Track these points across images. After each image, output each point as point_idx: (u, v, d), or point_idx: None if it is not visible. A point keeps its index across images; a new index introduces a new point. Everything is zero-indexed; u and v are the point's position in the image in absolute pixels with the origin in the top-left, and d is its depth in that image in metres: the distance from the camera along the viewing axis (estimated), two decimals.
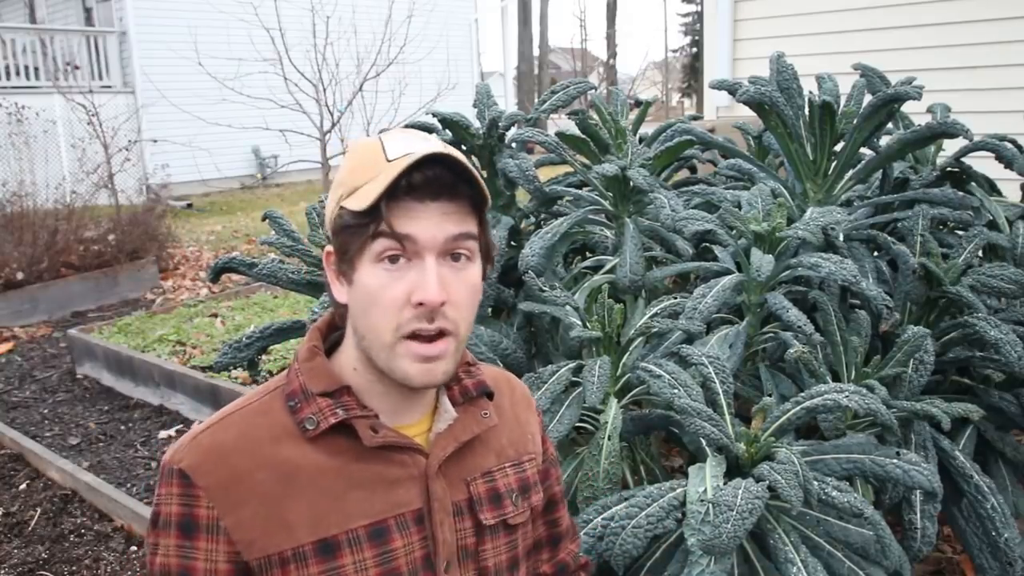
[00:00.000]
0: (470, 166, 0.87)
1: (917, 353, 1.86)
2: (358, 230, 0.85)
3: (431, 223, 0.85)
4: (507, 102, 16.09)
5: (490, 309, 2.24)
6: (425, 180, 0.84)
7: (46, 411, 4.07)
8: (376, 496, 0.90)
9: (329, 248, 0.92)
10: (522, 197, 2.41)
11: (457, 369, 0.99)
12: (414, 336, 0.86)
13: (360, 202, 0.85)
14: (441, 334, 0.87)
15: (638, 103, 3.05)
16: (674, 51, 34.60)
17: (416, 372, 0.87)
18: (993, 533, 1.77)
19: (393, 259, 0.85)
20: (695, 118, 3.60)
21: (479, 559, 0.96)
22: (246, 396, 0.95)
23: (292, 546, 0.86)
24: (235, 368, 2.82)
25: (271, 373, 3.56)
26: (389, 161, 0.84)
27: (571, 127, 2.50)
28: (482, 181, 0.88)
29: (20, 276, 5.57)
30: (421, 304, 0.84)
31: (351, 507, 0.88)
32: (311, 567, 0.86)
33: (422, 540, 0.91)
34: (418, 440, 0.94)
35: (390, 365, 0.88)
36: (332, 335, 0.99)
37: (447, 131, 2.33)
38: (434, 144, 0.86)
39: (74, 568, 2.67)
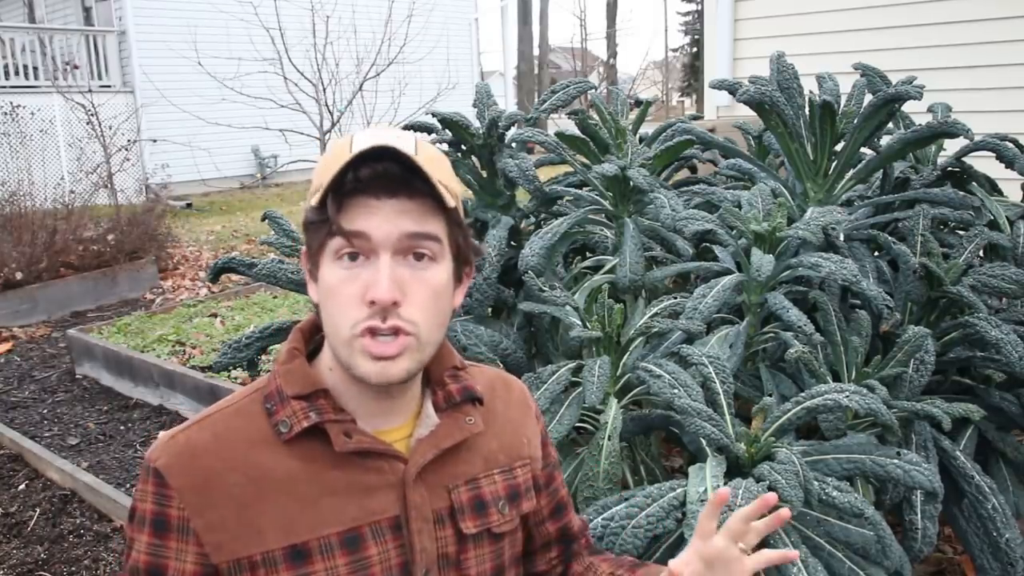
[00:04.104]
0: (419, 160, 0.82)
1: (918, 353, 1.86)
2: (318, 227, 0.85)
3: (384, 220, 0.83)
4: (507, 102, 16.07)
5: (490, 309, 2.24)
6: (373, 174, 0.82)
7: (45, 411, 4.06)
8: (350, 503, 0.88)
9: (304, 247, 0.92)
10: (522, 197, 2.41)
11: (441, 373, 0.97)
12: (371, 333, 0.84)
13: (316, 199, 0.85)
14: (397, 332, 0.85)
15: (638, 103, 3.04)
16: (674, 51, 34.59)
17: (371, 370, 0.85)
18: (994, 533, 1.77)
19: (353, 256, 0.84)
20: (695, 118, 3.60)
21: (461, 568, 0.94)
22: (229, 397, 0.95)
23: (262, 551, 0.85)
24: (235, 368, 2.82)
25: None
26: None
27: (571, 127, 2.50)
28: (434, 177, 0.83)
29: (19, 276, 5.56)
30: (373, 302, 0.83)
31: (324, 513, 0.87)
32: (281, 572, 0.85)
33: (398, 548, 0.90)
34: (399, 445, 0.92)
35: (349, 362, 0.86)
36: (317, 336, 0.97)
37: (447, 131, 2.33)
38: (385, 137, 0.83)
39: (73, 568, 2.67)
